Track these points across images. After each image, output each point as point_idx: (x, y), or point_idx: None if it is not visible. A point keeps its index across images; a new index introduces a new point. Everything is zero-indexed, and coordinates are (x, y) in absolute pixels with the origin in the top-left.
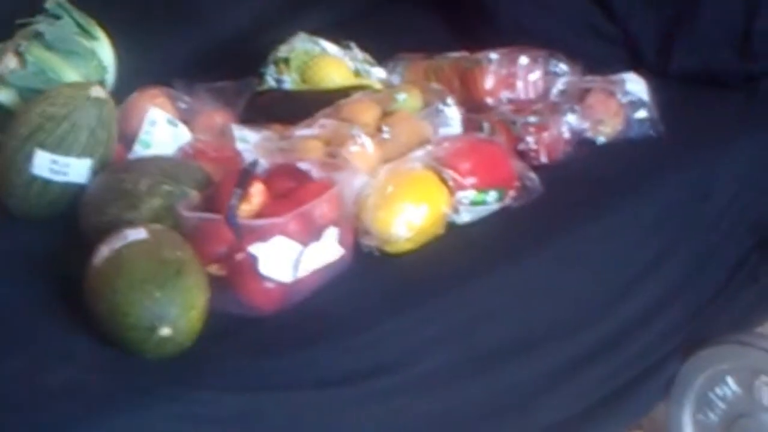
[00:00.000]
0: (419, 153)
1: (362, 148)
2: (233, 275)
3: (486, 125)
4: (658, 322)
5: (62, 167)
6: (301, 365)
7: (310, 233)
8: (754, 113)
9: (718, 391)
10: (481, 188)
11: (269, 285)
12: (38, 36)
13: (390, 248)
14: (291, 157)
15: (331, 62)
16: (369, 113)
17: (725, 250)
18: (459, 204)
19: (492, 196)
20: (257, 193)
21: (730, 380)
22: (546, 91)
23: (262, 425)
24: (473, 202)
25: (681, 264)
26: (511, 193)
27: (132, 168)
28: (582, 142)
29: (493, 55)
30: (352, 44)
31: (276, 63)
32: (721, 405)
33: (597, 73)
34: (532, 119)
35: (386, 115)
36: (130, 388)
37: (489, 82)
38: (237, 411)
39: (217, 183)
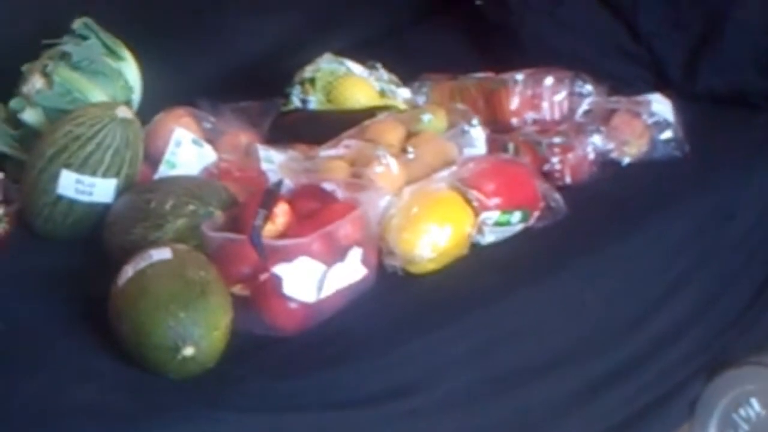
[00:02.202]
0: (444, 174)
1: (387, 168)
2: (257, 295)
3: (511, 146)
4: (682, 343)
5: (87, 187)
6: (324, 386)
7: (334, 253)
8: None
9: (742, 412)
10: (506, 209)
11: (293, 305)
12: (65, 56)
13: (414, 269)
14: (315, 178)
15: (357, 83)
16: (394, 134)
17: (749, 271)
18: (483, 225)
19: (516, 217)
20: (282, 213)
21: (754, 402)
22: (571, 112)
23: None
24: (497, 223)
25: (705, 285)
26: (536, 214)
27: (157, 188)
28: (607, 163)
29: (519, 76)
30: (378, 65)
31: (301, 83)
32: (745, 426)
33: (622, 94)
34: (557, 140)
35: (411, 135)
36: (153, 407)
37: (514, 103)
38: (260, 431)
39: (241, 203)
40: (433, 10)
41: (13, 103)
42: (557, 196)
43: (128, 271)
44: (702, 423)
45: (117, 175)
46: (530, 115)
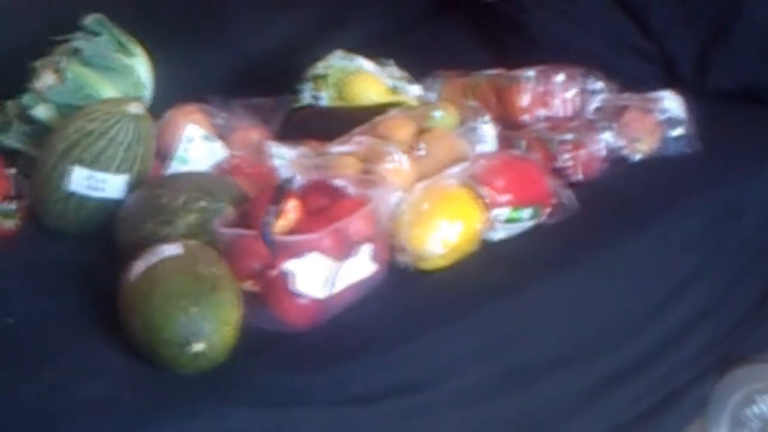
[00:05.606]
0: (455, 170)
1: (398, 164)
2: (267, 291)
3: (522, 142)
4: (693, 340)
5: (99, 183)
6: (335, 381)
7: (344, 249)
8: None
9: (753, 409)
10: (517, 205)
11: (303, 301)
12: (77, 52)
13: (424, 265)
14: (326, 174)
15: (368, 79)
16: (405, 130)
17: (760, 268)
18: (494, 221)
19: (527, 213)
20: (292, 209)
21: (765, 399)
22: (582, 109)
23: None
24: (508, 220)
25: (716, 282)
26: (547, 210)
27: (168, 184)
28: (618, 160)
29: (530, 73)
30: (389, 61)
31: (313, 79)
32: (756, 423)
33: (633, 91)
34: (569, 137)
35: (422, 132)
36: (163, 403)
37: (525, 100)
38: (270, 427)
39: (252, 199)
40: (446, 7)
41: (26, 99)
42: (568, 192)
43: (139, 266)
44: (713, 420)
45: (128, 171)
46: (541, 112)
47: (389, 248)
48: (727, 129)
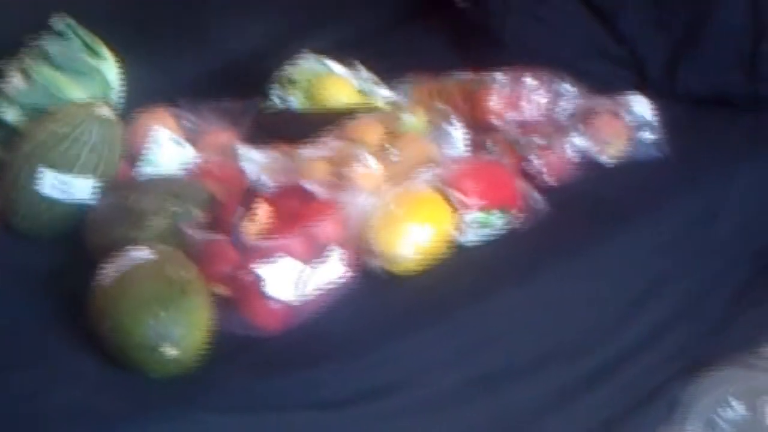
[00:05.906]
0: (425, 174)
1: (367, 168)
2: (238, 295)
3: (491, 146)
4: (663, 344)
5: (66, 186)
6: (306, 385)
7: (314, 253)
8: (761, 135)
9: (722, 413)
10: (487, 209)
11: (274, 305)
12: (44, 55)
13: (396, 269)
14: (296, 177)
15: (337, 82)
16: (374, 133)
17: (730, 272)
18: (464, 225)
19: (497, 217)
20: (262, 213)
21: (734, 402)
22: (552, 112)
23: None
24: (478, 223)
25: (686, 286)
26: (517, 214)
27: (137, 187)
28: (588, 164)
29: (499, 76)
30: (358, 64)
31: (281, 82)
32: (726, 427)
33: (603, 94)
34: (538, 140)
35: (392, 135)
36: (134, 407)
37: (495, 103)
38: (242, 431)
39: (222, 202)
40: (416, 12)
41: None
42: (538, 196)
43: (109, 270)
44: (683, 424)
45: (95, 173)
46: (511, 115)
47: (360, 252)
48: (698, 132)
